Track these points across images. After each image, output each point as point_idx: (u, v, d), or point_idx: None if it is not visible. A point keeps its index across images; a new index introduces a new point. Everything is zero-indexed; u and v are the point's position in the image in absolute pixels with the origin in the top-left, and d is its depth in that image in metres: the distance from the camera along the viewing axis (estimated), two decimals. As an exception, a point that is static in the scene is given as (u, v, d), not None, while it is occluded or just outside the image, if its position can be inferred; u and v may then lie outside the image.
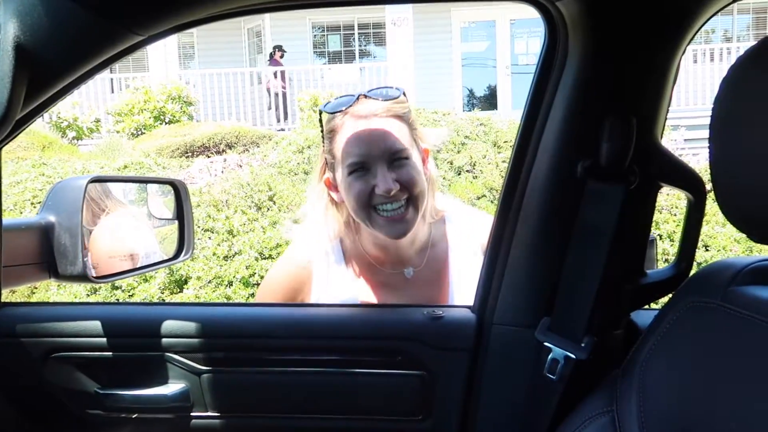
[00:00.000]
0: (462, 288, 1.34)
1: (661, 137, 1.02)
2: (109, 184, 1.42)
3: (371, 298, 1.34)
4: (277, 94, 12.06)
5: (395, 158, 1.20)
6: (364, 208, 1.21)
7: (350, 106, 1.22)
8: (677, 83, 0.97)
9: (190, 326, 1.17)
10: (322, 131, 1.29)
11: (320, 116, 1.28)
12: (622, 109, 0.96)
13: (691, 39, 0.97)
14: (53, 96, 0.94)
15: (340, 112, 1.23)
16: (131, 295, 4.42)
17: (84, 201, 1.21)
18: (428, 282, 1.34)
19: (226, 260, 4.59)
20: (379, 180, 1.18)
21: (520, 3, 1.00)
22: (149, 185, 1.57)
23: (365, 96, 1.23)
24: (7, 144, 1.07)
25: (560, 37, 0.99)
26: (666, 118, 1.03)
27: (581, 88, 0.98)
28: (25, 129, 1.03)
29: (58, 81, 0.91)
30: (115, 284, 4.42)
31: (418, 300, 1.33)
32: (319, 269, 1.36)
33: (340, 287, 1.34)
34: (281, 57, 12.60)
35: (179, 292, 4.46)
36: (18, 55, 0.79)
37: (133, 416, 1.19)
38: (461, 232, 1.37)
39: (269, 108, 12.20)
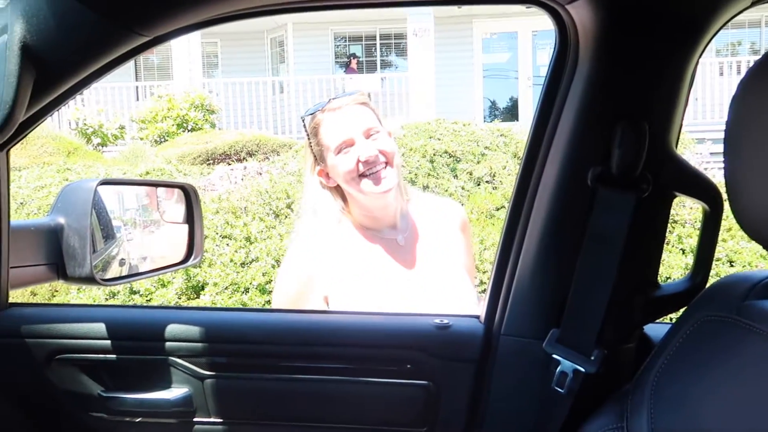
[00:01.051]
0: (442, 253, 1.58)
1: (676, 145, 0.99)
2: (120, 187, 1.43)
3: (377, 265, 1.52)
4: None
5: (370, 133, 1.49)
6: (354, 178, 1.47)
7: (324, 106, 1.52)
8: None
9: (195, 330, 1.16)
10: (306, 132, 1.54)
11: (303, 121, 1.57)
12: (634, 115, 0.94)
13: (707, 45, 0.94)
14: (59, 97, 0.94)
15: (318, 111, 1.52)
16: (149, 300, 4.45)
17: (93, 203, 1.21)
18: (416, 245, 1.58)
19: (243, 267, 4.60)
20: (362, 150, 1.46)
21: (530, 6, 0.99)
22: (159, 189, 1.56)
23: (333, 99, 1.53)
24: (13, 146, 1.08)
25: (571, 41, 0.97)
26: (681, 126, 1.00)
27: (592, 93, 0.96)
28: (31, 131, 1.03)
29: (64, 82, 0.91)
30: (133, 288, 4.46)
31: (415, 261, 1.55)
32: (326, 258, 1.50)
33: (351, 264, 1.51)
34: (357, 65, 12.67)
35: (196, 297, 4.48)
36: (24, 55, 0.80)
37: (137, 420, 1.18)
38: (432, 207, 1.67)
39: None
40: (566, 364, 0.99)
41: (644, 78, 0.94)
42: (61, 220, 1.17)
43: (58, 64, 0.86)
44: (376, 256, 1.53)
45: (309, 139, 1.54)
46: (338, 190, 1.55)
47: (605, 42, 0.94)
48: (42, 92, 0.89)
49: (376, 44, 14.15)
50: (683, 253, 4.95)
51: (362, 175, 1.46)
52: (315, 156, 1.54)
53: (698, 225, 5.16)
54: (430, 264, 1.56)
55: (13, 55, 0.79)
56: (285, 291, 1.53)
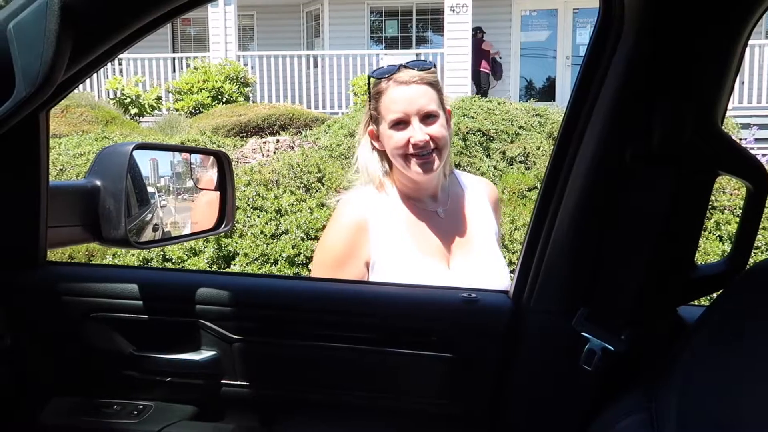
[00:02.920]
0: (479, 230, 1.64)
1: (722, 122, 0.96)
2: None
3: (418, 235, 1.56)
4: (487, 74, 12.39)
5: (427, 117, 1.51)
6: (402, 154, 1.52)
7: (393, 73, 1.52)
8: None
9: (224, 295, 1.18)
10: (369, 92, 1.58)
11: (368, 80, 1.59)
12: (678, 90, 0.90)
13: (758, 19, 0.90)
14: (98, 58, 0.95)
15: (384, 78, 1.53)
16: (181, 267, 4.54)
17: (129, 167, 1.23)
18: (456, 219, 1.64)
19: (273, 239, 4.65)
20: (415, 133, 1.49)
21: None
22: (193, 156, 1.58)
23: (405, 66, 1.53)
24: (53, 106, 1.09)
25: (615, 11, 0.94)
26: (727, 104, 0.96)
27: (635, 66, 0.93)
28: (71, 91, 1.05)
29: (103, 43, 0.92)
30: (166, 256, 4.55)
31: (454, 233, 1.60)
32: (375, 218, 1.54)
33: (394, 232, 1.55)
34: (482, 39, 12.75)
35: (227, 267, 4.55)
36: (64, 14, 0.80)
37: (167, 380, 1.21)
38: (469, 184, 1.72)
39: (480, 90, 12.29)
40: (595, 343, 0.97)
41: (690, 52, 0.90)
42: (98, 183, 1.19)
43: (97, 25, 0.87)
44: (417, 226, 1.57)
45: (369, 100, 1.58)
46: (385, 155, 1.60)
47: (651, 15, 0.90)
48: (81, 52, 0.89)
49: (412, 20, 13.96)
50: (720, 240, 4.82)
51: (410, 155, 1.50)
52: (371, 116, 1.58)
53: (738, 212, 5.01)
54: (468, 237, 1.61)
55: (53, 14, 0.79)
56: (329, 253, 1.55)
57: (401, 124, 1.50)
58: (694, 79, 0.91)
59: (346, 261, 1.51)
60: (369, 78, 1.58)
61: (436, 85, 1.55)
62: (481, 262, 1.56)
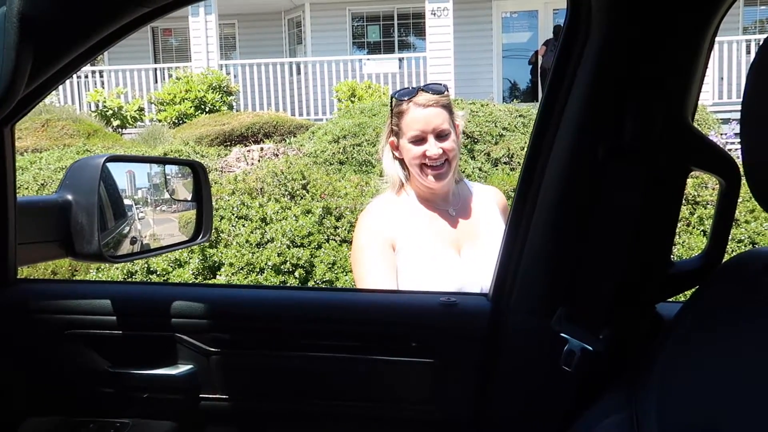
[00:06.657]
0: (486, 227, 1.86)
1: (692, 118, 0.96)
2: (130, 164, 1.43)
3: (432, 226, 1.82)
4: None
5: (440, 134, 1.78)
6: (418, 164, 1.80)
7: (413, 96, 1.80)
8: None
9: (200, 307, 1.16)
10: (391, 109, 1.86)
11: (391, 100, 1.86)
12: (648, 86, 0.90)
13: (725, 12, 0.90)
14: (62, 71, 0.93)
15: (405, 100, 1.81)
16: (166, 280, 4.50)
17: (101, 180, 1.20)
18: (465, 216, 1.89)
19: (259, 247, 4.62)
20: (430, 147, 1.77)
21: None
22: (169, 167, 1.56)
23: (422, 90, 1.80)
24: (18, 121, 1.07)
25: (583, 8, 0.94)
26: (698, 98, 0.96)
27: (604, 63, 0.93)
28: (35, 105, 1.03)
29: (65, 55, 0.90)
30: (150, 268, 4.50)
31: (463, 228, 1.84)
32: (398, 219, 1.81)
33: (413, 222, 1.81)
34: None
35: (213, 277, 4.51)
36: (23, 27, 0.78)
37: (144, 396, 1.19)
38: (478, 191, 1.98)
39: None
40: (574, 343, 0.97)
41: (660, 47, 0.90)
42: (69, 197, 1.17)
43: (58, 36, 0.85)
44: (432, 222, 1.84)
45: (392, 115, 1.85)
46: (403, 163, 1.87)
47: (619, 9, 0.90)
48: (44, 65, 0.88)
49: (393, 24, 13.99)
50: (704, 235, 4.85)
51: (425, 165, 1.78)
52: (392, 129, 1.85)
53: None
54: (476, 231, 1.85)
55: (12, 26, 0.77)
56: (362, 240, 1.81)
57: (419, 140, 1.77)
58: (663, 75, 0.91)
59: (373, 246, 1.76)
60: (392, 98, 1.85)
61: (448, 107, 1.82)
62: (487, 252, 1.76)
